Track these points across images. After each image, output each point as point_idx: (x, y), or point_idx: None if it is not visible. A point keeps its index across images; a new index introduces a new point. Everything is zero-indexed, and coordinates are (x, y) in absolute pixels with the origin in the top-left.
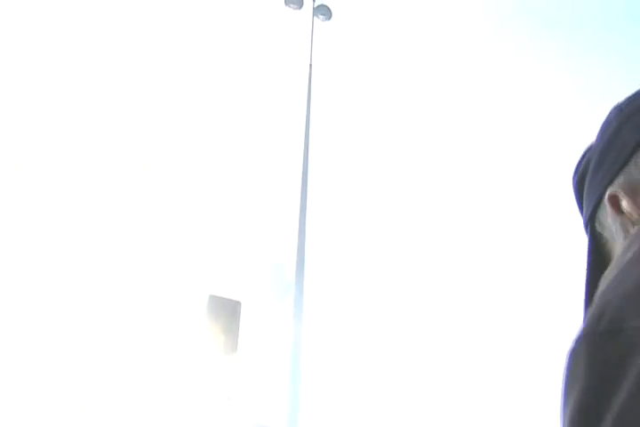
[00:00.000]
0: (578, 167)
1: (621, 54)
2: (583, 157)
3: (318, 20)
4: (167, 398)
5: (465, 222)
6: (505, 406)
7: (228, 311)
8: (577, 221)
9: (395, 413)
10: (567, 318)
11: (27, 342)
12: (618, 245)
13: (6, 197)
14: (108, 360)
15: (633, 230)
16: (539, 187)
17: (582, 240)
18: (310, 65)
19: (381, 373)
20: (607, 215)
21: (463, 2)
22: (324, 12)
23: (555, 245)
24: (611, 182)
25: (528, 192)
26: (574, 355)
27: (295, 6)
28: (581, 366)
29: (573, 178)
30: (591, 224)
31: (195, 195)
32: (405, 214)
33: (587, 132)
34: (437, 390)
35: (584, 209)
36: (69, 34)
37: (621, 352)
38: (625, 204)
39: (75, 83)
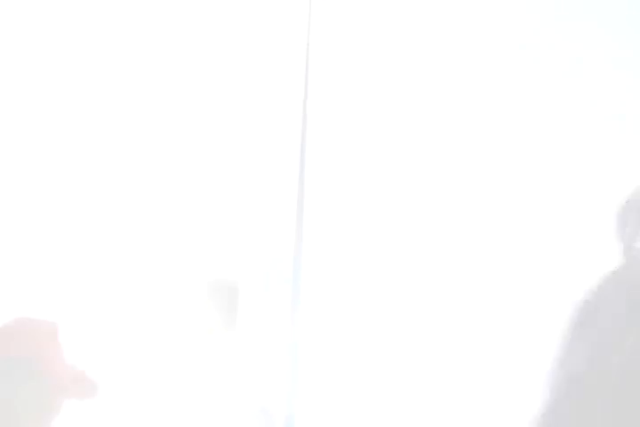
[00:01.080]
0: None
1: (621, 54)
2: None
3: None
4: (163, 386)
5: (465, 216)
6: (505, 406)
7: (225, 299)
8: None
9: (393, 408)
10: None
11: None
12: None
13: (6, 196)
14: (103, 349)
15: None
16: (537, 185)
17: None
18: (306, 57)
19: (380, 366)
20: None
21: None
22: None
23: (555, 244)
24: None
25: (527, 190)
26: None
27: None
28: None
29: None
30: None
31: (192, 187)
32: (405, 207)
33: (586, 132)
34: (438, 383)
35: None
36: (69, 33)
37: None
38: None
39: (74, 83)
